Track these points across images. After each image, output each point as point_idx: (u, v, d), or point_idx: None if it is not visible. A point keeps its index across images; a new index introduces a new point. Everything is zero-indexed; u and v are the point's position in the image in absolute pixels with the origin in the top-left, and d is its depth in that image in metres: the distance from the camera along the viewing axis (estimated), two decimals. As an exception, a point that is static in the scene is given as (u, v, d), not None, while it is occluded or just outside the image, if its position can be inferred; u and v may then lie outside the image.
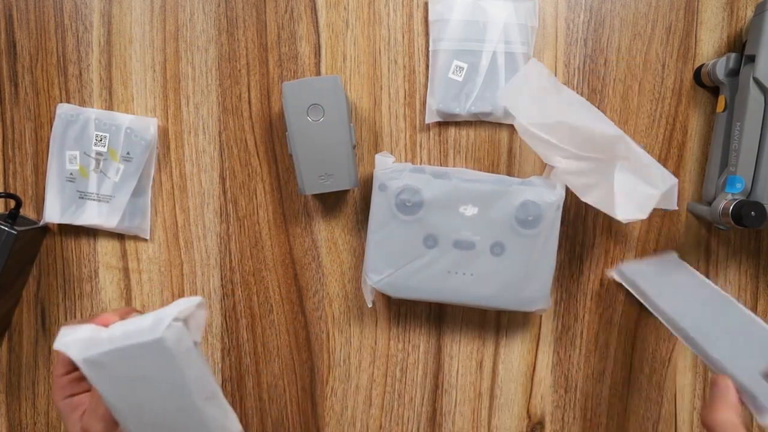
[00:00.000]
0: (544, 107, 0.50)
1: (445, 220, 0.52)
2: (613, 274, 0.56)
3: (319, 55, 0.57)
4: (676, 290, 0.51)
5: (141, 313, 0.39)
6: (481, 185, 0.52)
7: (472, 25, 0.54)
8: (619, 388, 0.59)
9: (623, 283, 0.54)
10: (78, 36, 0.58)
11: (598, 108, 0.53)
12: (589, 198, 0.51)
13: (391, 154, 0.57)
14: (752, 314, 0.47)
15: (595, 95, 0.56)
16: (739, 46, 0.55)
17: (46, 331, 0.60)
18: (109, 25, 0.58)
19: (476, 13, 0.54)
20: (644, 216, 0.47)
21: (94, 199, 0.57)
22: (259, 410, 0.60)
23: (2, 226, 0.53)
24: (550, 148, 0.50)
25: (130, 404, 0.36)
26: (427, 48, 0.56)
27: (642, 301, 0.51)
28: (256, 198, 0.58)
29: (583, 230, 0.58)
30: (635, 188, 0.47)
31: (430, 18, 0.55)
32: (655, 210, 0.57)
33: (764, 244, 0.58)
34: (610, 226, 0.58)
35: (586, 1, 0.56)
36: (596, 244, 0.58)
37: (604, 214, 0.57)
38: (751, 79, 0.50)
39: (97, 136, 0.57)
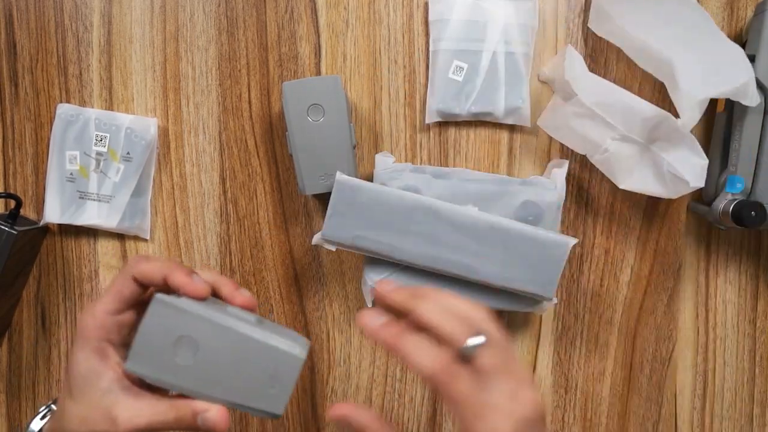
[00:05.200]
0: (600, 84, 0.52)
1: (445, 220, 0.52)
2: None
3: (319, 55, 0.57)
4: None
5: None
6: (481, 185, 0.52)
7: (472, 25, 0.54)
8: (619, 388, 0.59)
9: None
10: (78, 36, 0.58)
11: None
12: (628, 184, 0.52)
13: (391, 154, 0.57)
14: None
15: (595, 95, 0.56)
16: (739, 46, 0.55)
17: (46, 331, 0.60)
18: (110, 25, 0.58)
19: (476, 13, 0.54)
20: (703, 184, 0.49)
21: (94, 199, 0.57)
22: (259, 410, 0.60)
23: (2, 227, 0.53)
24: (605, 129, 0.51)
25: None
26: (427, 48, 0.56)
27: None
28: (256, 198, 0.58)
29: (583, 230, 0.58)
30: (687, 160, 0.49)
31: (430, 18, 0.55)
32: (654, 208, 0.57)
33: (764, 244, 0.58)
34: (610, 226, 0.58)
35: (586, 2, 0.56)
36: (596, 244, 0.58)
37: (603, 214, 0.57)
38: (751, 79, 0.50)
39: (97, 136, 0.57)
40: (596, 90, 0.51)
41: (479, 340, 0.30)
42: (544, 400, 0.59)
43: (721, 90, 0.49)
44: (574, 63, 0.53)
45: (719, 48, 0.50)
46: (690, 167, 0.49)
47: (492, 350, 0.30)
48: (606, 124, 0.50)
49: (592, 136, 0.52)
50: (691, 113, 0.48)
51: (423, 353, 0.30)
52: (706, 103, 0.48)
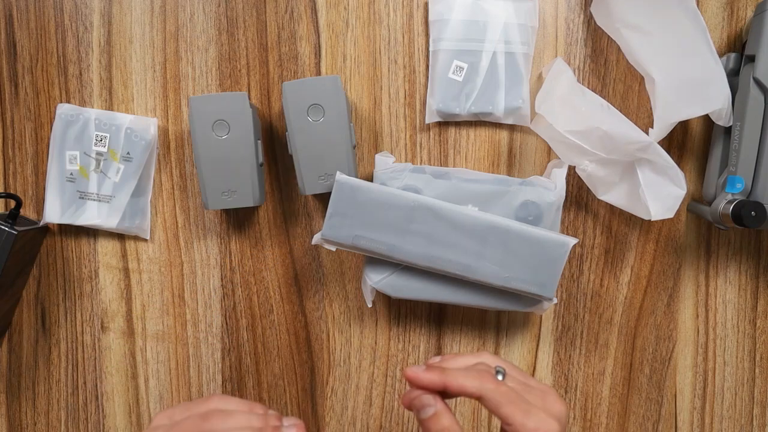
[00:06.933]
0: (577, 112, 0.51)
1: (445, 220, 0.52)
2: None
3: (319, 55, 0.57)
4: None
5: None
6: (481, 185, 0.52)
7: (472, 25, 0.54)
8: (619, 388, 0.59)
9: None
10: (78, 36, 0.58)
11: (598, 108, 0.53)
12: (607, 197, 0.52)
13: (391, 154, 0.57)
14: None
15: (595, 95, 0.56)
16: (739, 46, 0.55)
17: (46, 331, 0.60)
18: (109, 25, 0.58)
19: (476, 13, 0.54)
20: (672, 215, 0.49)
21: (94, 199, 0.57)
22: (259, 410, 0.60)
23: (2, 227, 0.53)
24: (581, 153, 0.51)
25: None
26: (427, 48, 0.56)
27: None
28: (256, 198, 0.58)
29: (583, 230, 0.58)
30: (662, 189, 0.49)
31: (430, 18, 0.55)
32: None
33: (764, 244, 0.58)
34: (610, 226, 0.58)
35: (586, 1, 0.56)
36: (596, 244, 0.58)
37: (603, 214, 0.57)
38: (751, 79, 0.50)
39: (97, 136, 0.57)
40: (573, 117, 0.51)
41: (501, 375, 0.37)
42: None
43: (695, 112, 0.50)
44: (560, 77, 0.53)
45: (704, 66, 0.50)
46: (663, 196, 0.49)
47: (511, 376, 0.38)
48: (582, 148, 0.50)
49: (569, 156, 0.52)
50: (660, 131, 0.50)
51: (467, 379, 0.36)
52: (676, 123, 0.50)
